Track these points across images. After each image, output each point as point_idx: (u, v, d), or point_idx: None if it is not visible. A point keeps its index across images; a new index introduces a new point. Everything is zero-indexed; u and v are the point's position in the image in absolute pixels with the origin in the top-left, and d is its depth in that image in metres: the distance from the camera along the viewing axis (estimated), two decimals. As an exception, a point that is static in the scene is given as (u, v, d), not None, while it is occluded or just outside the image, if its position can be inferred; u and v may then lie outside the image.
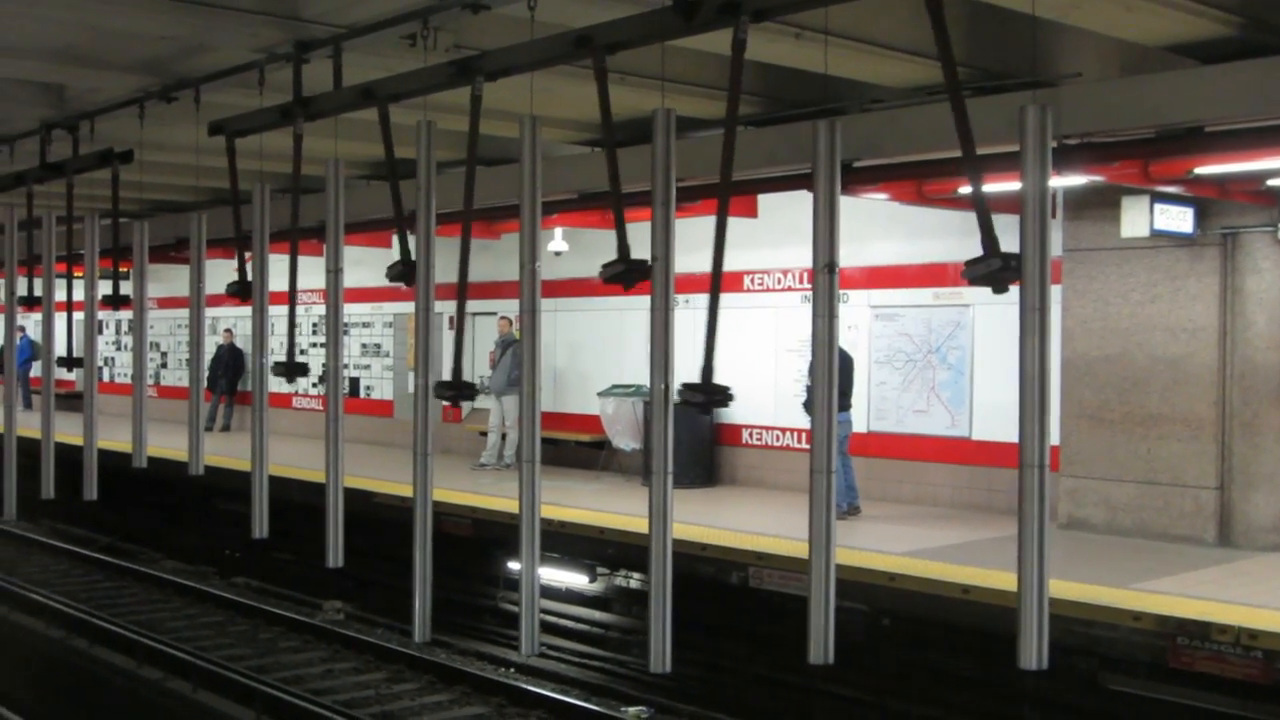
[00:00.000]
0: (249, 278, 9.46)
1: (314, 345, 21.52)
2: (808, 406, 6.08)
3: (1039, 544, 5.21)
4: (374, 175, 15.48)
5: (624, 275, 6.57)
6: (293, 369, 9.17)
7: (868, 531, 12.29)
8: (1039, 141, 5.19)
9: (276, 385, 19.76)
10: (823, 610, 5.75)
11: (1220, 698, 9.15)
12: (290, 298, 9.27)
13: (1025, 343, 5.22)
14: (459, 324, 7.66)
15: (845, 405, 13.43)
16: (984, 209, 5.41)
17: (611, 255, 6.63)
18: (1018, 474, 5.24)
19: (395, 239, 8.21)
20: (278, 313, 9.70)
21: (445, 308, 19.22)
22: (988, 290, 5.40)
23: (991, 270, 5.29)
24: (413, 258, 7.83)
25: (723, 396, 6.11)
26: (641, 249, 6.34)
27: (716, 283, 6.17)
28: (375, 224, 13.89)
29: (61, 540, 19.93)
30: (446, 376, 7.80)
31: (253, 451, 9.34)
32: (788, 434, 15.63)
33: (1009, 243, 5.29)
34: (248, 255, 9.45)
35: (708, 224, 14.82)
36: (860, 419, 14.70)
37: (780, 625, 11.44)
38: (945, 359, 14.25)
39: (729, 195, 6.26)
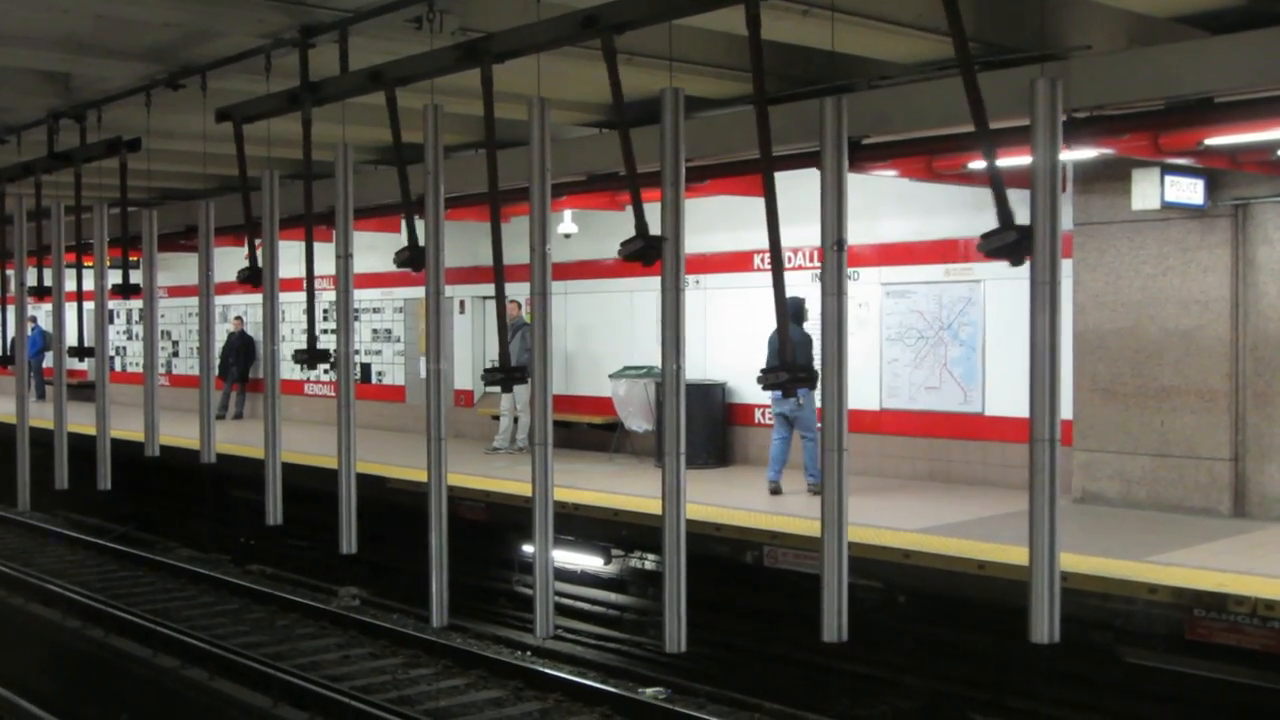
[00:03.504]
0: (259, 264, 9.45)
1: (324, 331, 21.51)
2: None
3: (1049, 518, 5.22)
4: (382, 160, 15.48)
5: (643, 252, 6.43)
6: (314, 356, 9.16)
7: (881, 508, 12.27)
8: (1049, 115, 5.17)
9: (288, 372, 19.79)
10: (836, 588, 5.76)
11: (1238, 669, 9.14)
12: (308, 284, 9.27)
13: (1036, 317, 5.21)
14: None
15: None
16: (999, 181, 5.40)
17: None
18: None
19: (404, 225, 8.21)
20: (287, 299, 9.70)
21: (454, 291, 19.36)
22: (999, 265, 5.40)
23: (1007, 243, 5.28)
24: (421, 243, 7.82)
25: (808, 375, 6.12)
26: (650, 230, 6.32)
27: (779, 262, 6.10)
28: (385, 209, 13.88)
29: (76, 530, 19.98)
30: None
31: (265, 438, 9.35)
32: (800, 413, 15.60)
33: (1019, 216, 5.27)
34: (258, 242, 9.45)
35: (717, 204, 14.74)
36: (872, 396, 14.70)
37: (795, 603, 11.44)
38: (957, 335, 14.22)
39: (773, 171, 6.18)
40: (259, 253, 9.41)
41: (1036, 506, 5.23)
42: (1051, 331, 5.19)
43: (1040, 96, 5.18)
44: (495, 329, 18.03)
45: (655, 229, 6.19)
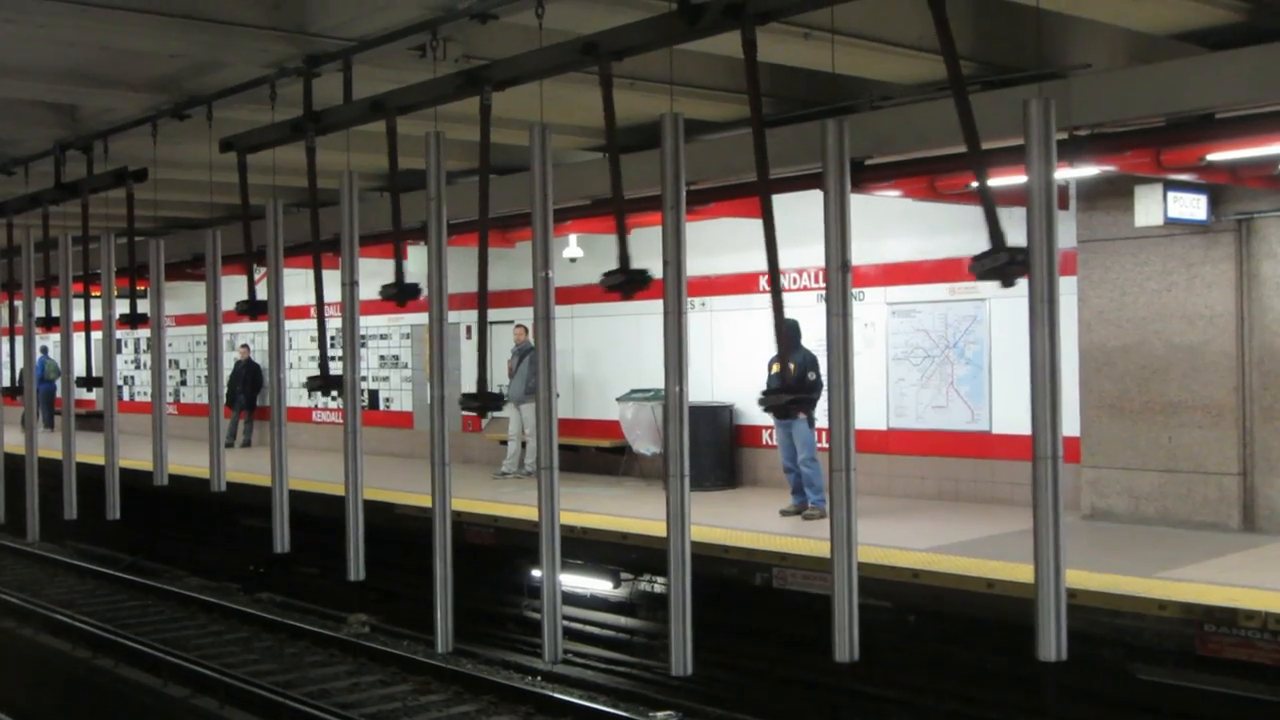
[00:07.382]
0: (259, 295, 9.48)
1: (331, 358, 21.57)
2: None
3: (1054, 534, 5.22)
4: (387, 187, 15.53)
5: (624, 285, 6.68)
6: (328, 382, 9.17)
7: (890, 528, 12.26)
8: (1043, 134, 5.18)
9: (296, 400, 19.76)
10: (846, 608, 5.75)
11: (1250, 684, 9.12)
12: (318, 311, 9.30)
13: (1035, 335, 5.22)
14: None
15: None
16: (990, 203, 5.42)
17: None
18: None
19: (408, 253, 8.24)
20: (293, 327, 9.72)
21: (460, 317, 19.39)
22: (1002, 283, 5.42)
23: (998, 264, 5.32)
24: (406, 278, 7.92)
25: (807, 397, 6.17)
26: (653, 253, 6.34)
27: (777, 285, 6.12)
28: (389, 235, 13.88)
29: (85, 560, 19.99)
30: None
31: (273, 466, 9.36)
32: (807, 433, 15.59)
33: (1017, 235, 5.29)
34: (259, 274, 9.48)
35: (719, 227, 14.75)
36: (879, 416, 14.71)
37: (805, 625, 11.43)
38: (963, 354, 14.23)
39: (769, 194, 6.22)
40: (263, 282, 9.44)
41: (1041, 523, 5.23)
42: (1051, 349, 5.20)
43: (1034, 116, 5.19)
44: (502, 354, 17.95)
45: (657, 253, 6.21)
